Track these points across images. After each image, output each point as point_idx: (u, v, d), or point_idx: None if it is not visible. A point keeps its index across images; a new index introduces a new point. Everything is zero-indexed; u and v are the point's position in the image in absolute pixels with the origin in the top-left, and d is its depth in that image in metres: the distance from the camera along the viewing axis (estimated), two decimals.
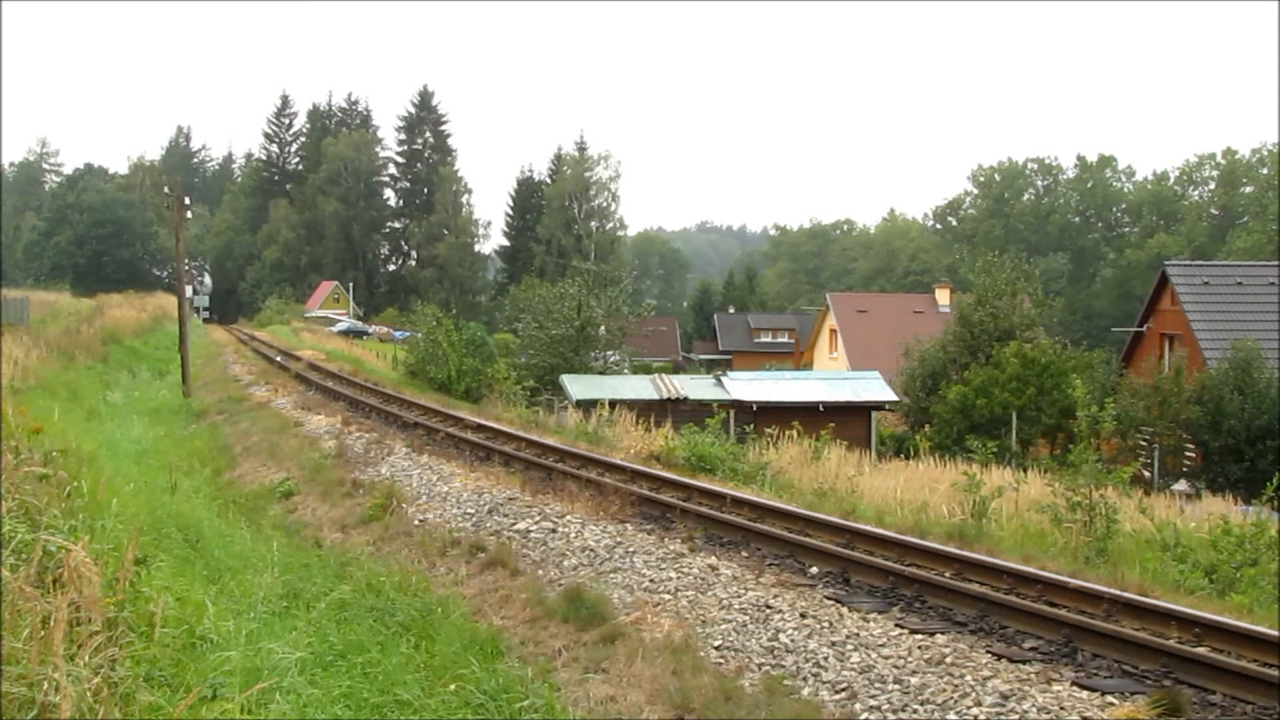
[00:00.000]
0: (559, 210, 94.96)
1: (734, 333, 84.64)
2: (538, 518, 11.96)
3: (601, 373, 35.38)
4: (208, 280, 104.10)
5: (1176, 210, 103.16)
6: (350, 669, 7.18)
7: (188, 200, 34.67)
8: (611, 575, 9.98)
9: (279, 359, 37.58)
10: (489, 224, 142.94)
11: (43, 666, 4.66)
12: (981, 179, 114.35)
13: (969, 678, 7.15)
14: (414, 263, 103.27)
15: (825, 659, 7.72)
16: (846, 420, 28.34)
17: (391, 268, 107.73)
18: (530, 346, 38.97)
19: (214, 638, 6.71)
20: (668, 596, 9.30)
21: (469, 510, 12.71)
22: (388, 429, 19.54)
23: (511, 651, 8.30)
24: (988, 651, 7.68)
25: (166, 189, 52.11)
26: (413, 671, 7.42)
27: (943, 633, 8.13)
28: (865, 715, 6.87)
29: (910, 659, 7.58)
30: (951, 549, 10.25)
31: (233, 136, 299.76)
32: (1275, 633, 7.50)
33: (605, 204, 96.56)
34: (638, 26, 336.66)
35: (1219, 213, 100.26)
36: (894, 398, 32.51)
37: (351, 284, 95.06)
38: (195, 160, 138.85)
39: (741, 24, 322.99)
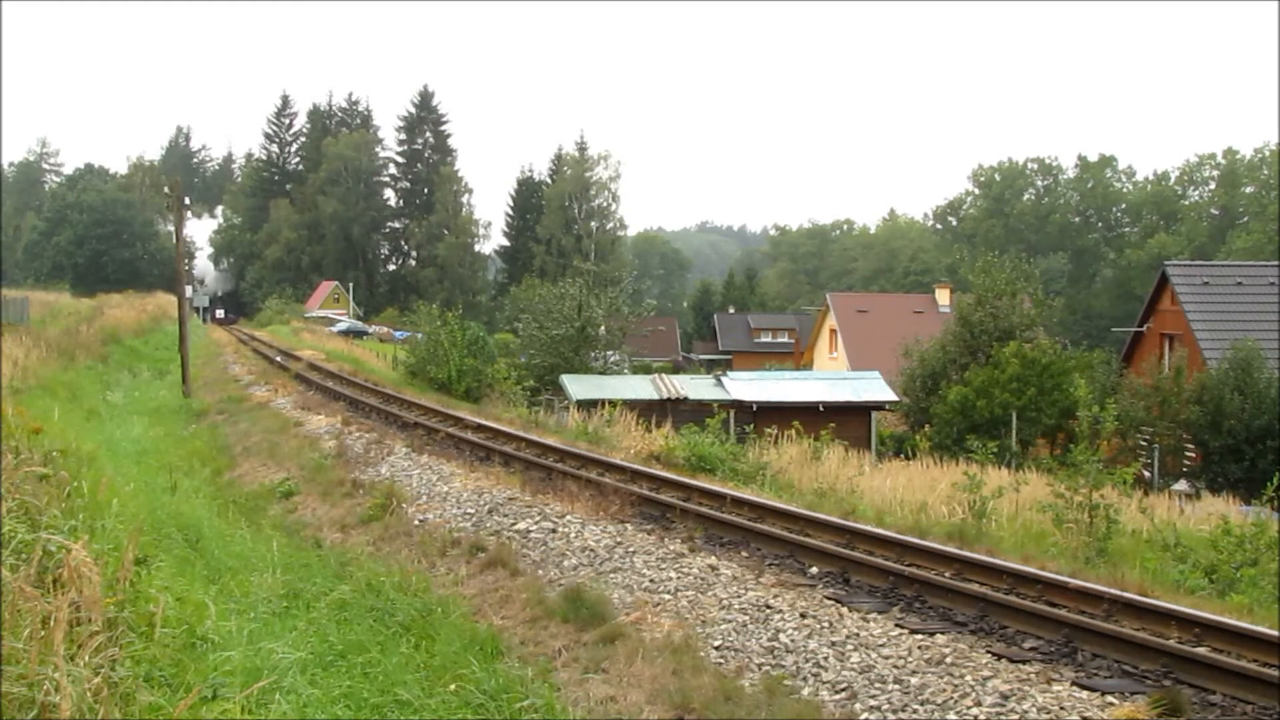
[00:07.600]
0: (559, 210, 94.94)
1: (734, 333, 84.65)
2: (538, 518, 11.96)
3: (602, 373, 35.37)
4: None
5: (1176, 210, 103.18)
6: (350, 669, 7.18)
7: (187, 200, 34.67)
8: (611, 575, 9.97)
9: (279, 359, 37.57)
10: (489, 224, 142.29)
11: (43, 666, 4.66)
12: (982, 179, 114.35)
13: (969, 678, 7.15)
14: (414, 263, 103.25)
15: (825, 659, 7.72)
16: (846, 420, 28.33)
17: (392, 268, 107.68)
18: (530, 346, 38.95)
19: (214, 638, 6.71)
20: (668, 596, 9.30)
21: (469, 510, 12.71)
22: (388, 429, 19.53)
23: (511, 651, 8.30)
24: (988, 651, 7.67)
25: (166, 189, 52.11)
26: (413, 671, 7.41)
27: (943, 633, 8.12)
28: (865, 715, 6.87)
29: (910, 659, 7.57)
30: (951, 549, 10.25)
31: (233, 136, 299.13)
32: (1275, 633, 7.50)
33: (605, 204, 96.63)
34: (638, 26, 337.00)
35: (1219, 213, 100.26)
36: (894, 398, 32.50)
37: (351, 284, 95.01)
38: (195, 160, 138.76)
39: (741, 24, 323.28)
